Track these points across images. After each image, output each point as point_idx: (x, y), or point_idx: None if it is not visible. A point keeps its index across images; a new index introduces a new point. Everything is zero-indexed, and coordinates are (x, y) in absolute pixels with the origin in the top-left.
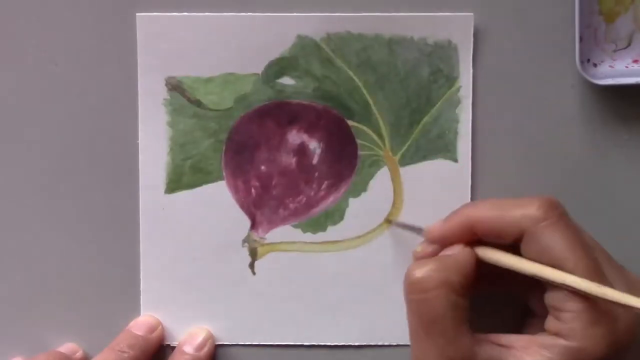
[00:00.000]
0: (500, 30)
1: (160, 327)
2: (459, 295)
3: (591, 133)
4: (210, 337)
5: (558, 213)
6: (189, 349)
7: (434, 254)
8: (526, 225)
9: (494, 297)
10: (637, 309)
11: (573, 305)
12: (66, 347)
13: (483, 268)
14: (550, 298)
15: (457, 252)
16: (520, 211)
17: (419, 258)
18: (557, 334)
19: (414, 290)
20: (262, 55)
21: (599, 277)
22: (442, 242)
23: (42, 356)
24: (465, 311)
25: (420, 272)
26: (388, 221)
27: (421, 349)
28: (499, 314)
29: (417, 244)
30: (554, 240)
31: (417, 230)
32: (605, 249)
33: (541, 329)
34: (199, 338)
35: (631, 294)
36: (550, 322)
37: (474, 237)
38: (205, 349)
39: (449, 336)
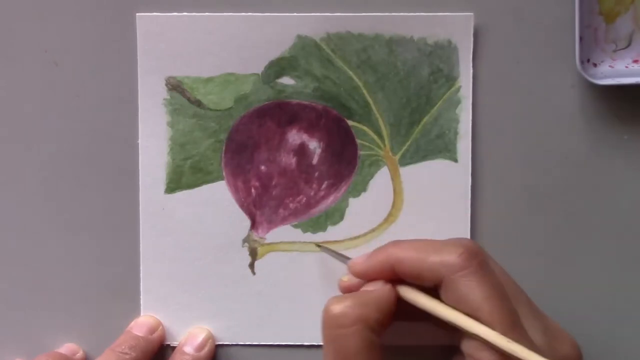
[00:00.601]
0: (500, 30)
1: (160, 327)
2: (375, 333)
3: (591, 133)
4: (210, 337)
5: (477, 262)
6: (189, 349)
7: (359, 287)
8: (444, 273)
9: (419, 334)
10: None
11: (487, 356)
12: (66, 348)
13: (407, 304)
14: (466, 346)
15: (378, 288)
16: (439, 258)
17: (344, 288)
18: None
19: (330, 325)
20: (262, 55)
21: (514, 328)
22: (365, 277)
23: (43, 357)
24: (380, 350)
25: (338, 307)
26: (317, 245)
27: None
28: (425, 351)
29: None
30: (470, 290)
31: (343, 259)
32: (526, 293)
33: None
34: (199, 338)
35: (548, 342)
36: None
37: (396, 276)
38: (206, 349)
39: None
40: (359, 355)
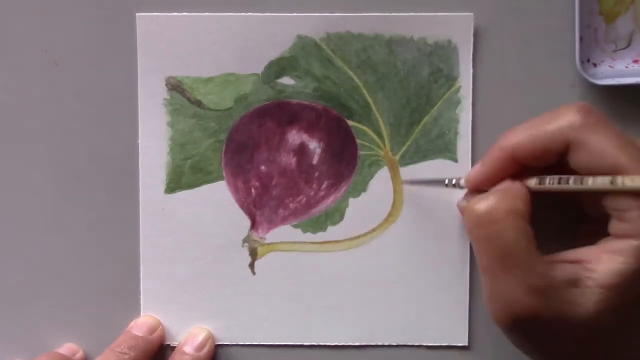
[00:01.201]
0: (500, 30)
1: (160, 327)
2: (526, 221)
3: None
4: (210, 337)
5: (595, 115)
6: (189, 349)
7: None
8: (570, 135)
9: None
10: None
11: (636, 203)
12: (66, 348)
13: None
14: (610, 201)
15: (510, 185)
16: (558, 122)
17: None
18: (626, 236)
19: (481, 224)
20: (262, 55)
21: None
22: (487, 185)
23: (43, 357)
24: (534, 238)
25: (485, 204)
26: (405, 181)
27: (499, 283)
28: (551, 227)
29: (421, 249)
30: (602, 143)
31: (438, 182)
32: None
33: (600, 234)
34: (199, 338)
35: None
36: (616, 225)
37: (517, 169)
38: (205, 349)
39: (527, 265)
40: (519, 246)
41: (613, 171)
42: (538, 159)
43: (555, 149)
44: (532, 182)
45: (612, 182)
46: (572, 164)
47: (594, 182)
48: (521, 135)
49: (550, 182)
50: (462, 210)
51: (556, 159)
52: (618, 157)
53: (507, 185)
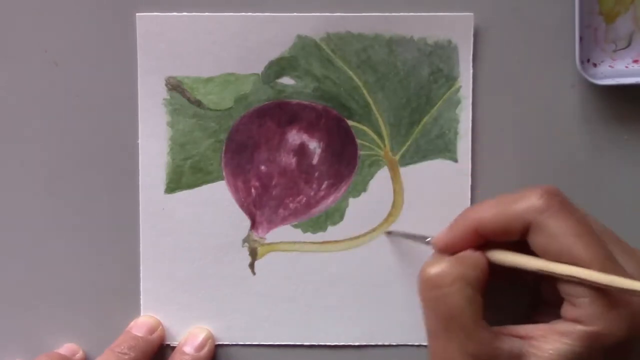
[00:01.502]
0: (500, 30)
1: (160, 327)
2: (475, 289)
3: (591, 133)
4: (210, 337)
5: (559, 200)
6: (189, 349)
7: None
8: (530, 217)
9: (500, 289)
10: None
11: (588, 291)
12: (66, 348)
13: (492, 264)
14: (564, 286)
15: (470, 254)
16: (521, 204)
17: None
18: (575, 321)
19: (430, 287)
20: (262, 55)
21: (609, 262)
22: (451, 250)
23: (43, 357)
24: (481, 306)
25: (436, 268)
26: (388, 232)
27: (441, 346)
28: (507, 305)
29: (421, 249)
30: (560, 228)
31: (419, 238)
32: (612, 230)
33: (553, 317)
34: (199, 338)
35: None
36: (567, 309)
37: (481, 241)
38: (205, 349)
39: (469, 331)
40: (463, 314)
41: (568, 258)
42: (500, 236)
43: (516, 229)
44: (494, 255)
45: (564, 271)
46: (531, 246)
47: (549, 266)
48: (486, 211)
49: (512, 256)
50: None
51: (518, 237)
52: (574, 246)
53: (465, 253)
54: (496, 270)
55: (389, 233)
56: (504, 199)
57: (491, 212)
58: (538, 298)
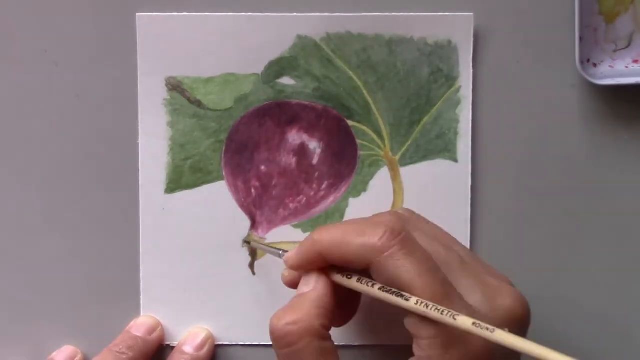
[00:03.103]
0: (500, 30)
1: (159, 328)
2: (324, 338)
3: (591, 133)
4: (210, 337)
5: (400, 240)
6: (188, 349)
7: (299, 280)
8: (369, 256)
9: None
10: (470, 332)
11: (427, 331)
12: (65, 351)
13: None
14: (408, 324)
15: (312, 288)
16: (362, 240)
17: (287, 283)
18: None
19: (280, 344)
20: (262, 55)
21: (447, 298)
22: (300, 270)
23: None
24: (334, 351)
25: (281, 325)
26: (247, 242)
27: None
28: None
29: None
30: (397, 269)
31: (275, 252)
32: (467, 248)
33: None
34: (199, 338)
35: (487, 300)
36: (415, 349)
37: (327, 263)
38: (205, 349)
39: None
40: None
41: None
42: (343, 264)
43: (357, 264)
44: (339, 278)
45: (405, 299)
46: (374, 278)
47: (386, 297)
48: (332, 239)
49: (359, 281)
50: (284, 282)
51: (361, 269)
52: (411, 287)
53: (309, 286)
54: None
55: (248, 243)
56: (350, 229)
57: (335, 241)
58: None
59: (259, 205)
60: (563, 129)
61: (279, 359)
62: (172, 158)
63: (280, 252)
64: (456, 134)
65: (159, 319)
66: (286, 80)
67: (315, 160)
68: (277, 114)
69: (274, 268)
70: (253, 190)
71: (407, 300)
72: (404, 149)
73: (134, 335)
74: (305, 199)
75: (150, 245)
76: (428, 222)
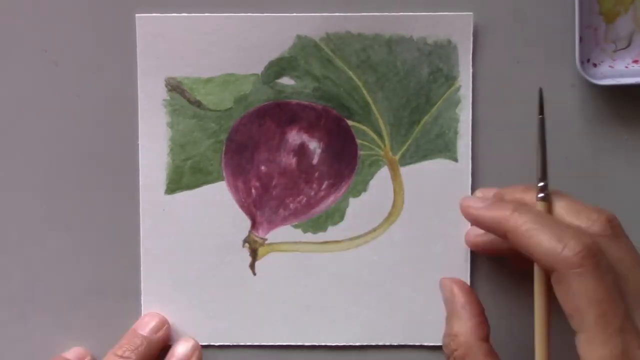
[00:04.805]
0: (500, 30)
1: (165, 326)
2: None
3: (591, 133)
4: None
5: (594, 262)
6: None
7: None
8: (559, 267)
9: None
10: None
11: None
12: (74, 352)
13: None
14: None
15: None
16: (556, 248)
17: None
18: None
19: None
20: (262, 55)
21: (620, 340)
22: (476, 225)
23: None
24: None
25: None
26: None
27: None
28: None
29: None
30: (582, 290)
31: None
32: None
33: None
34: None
35: None
36: None
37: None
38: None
39: None
40: None
41: (576, 325)
42: (525, 254)
43: (542, 265)
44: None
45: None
46: (553, 285)
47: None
48: (523, 228)
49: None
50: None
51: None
52: (587, 312)
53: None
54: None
55: None
56: (545, 227)
57: (527, 231)
58: None
59: (259, 206)
60: (563, 129)
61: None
62: (172, 158)
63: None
64: (456, 133)
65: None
66: (286, 80)
67: (315, 160)
68: (277, 114)
69: (275, 269)
70: (253, 191)
71: None
72: (404, 148)
73: (140, 334)
74: (305, 199)
75: (151, 246)
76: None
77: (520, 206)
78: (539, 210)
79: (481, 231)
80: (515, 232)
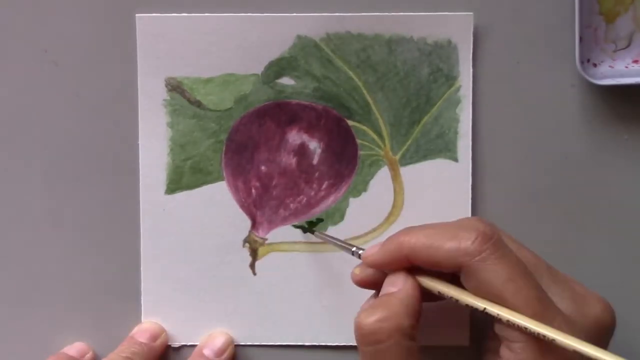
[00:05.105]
0: (500, 30)
1: (164, 334)
2: (411, 338)
3: (591, 133)
4: (230, 341)
5: (492, 244)
6: (208, 352)
7: (373, 278)
8: (461, 260)
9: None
10: (571, 348)
11: (521, 336)
12: (76, 348)
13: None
14: (499, 327)
15: (400, 288)
16: (454, 244)
17: (358, 281)
18: None
19: (366, 342)
20: (262, 55)
21: (541, 305)
22: (380, 268)
23: (52, 358)
24: (418, 352)
25: (370, 322)
26: (310, 231)
27: None
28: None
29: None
30: (490, 274)
31: (346, 247)
32: (547, 262)
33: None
34: (219, 342)
35: (577, 308)
36: (503, 351)
37: (411, 264)
38: (226, 355)
39: None
40: None
41: (500, 303)
42: (430, 267)
43: (447, 267)
44: (426, 281)
45: (496, 312)
46: (463, 284)
47: (482, 304)
48: (419, 241)
49: (447, 286)
50: (354, 281)
51: (449, 272)
52: (505, 292)
53: (396, 286)
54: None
55: (311, 232)
56: (438, 232)
57: (423, 243)
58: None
59: (260, 206)
60: (563, 129)
61: (362, 357)
62: (172, 158)
63: (354, 249)
64: (456, 133)
65: (160, 319)
66: (286, 81)
67: (315, 160)
68: (277, 114)
69: (275, 268)
70: (253, 191)
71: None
72: (404, 148)
73: (139, 341)
74: (305, 199)
75: (151, 246)
76: (509, 236)
77: (407, 230)
78: (426, 224)
79: (365, 268)
80: (414, 251)
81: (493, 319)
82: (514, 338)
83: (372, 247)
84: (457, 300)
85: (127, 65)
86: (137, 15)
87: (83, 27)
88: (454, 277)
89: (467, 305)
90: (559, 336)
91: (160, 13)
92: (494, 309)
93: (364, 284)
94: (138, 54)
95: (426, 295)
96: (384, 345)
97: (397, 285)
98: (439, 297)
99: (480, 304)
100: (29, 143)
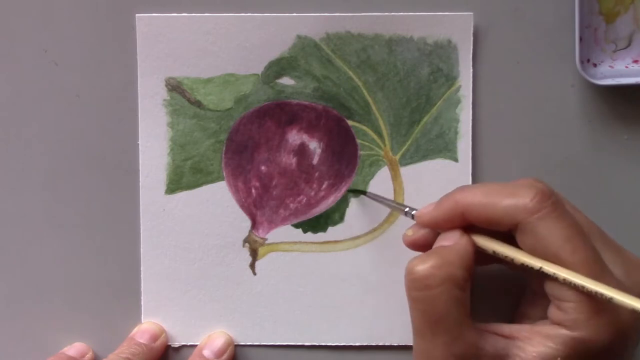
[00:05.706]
0: (500, 30)
1: (164, 335)
2: (462, 290)
3: (591, 133)
4: (230, 342)
5: (552, 202)
6: (207, 353)
7: (426, 238)
8: (519, 217)
9: (487, 273)
10: (629, 306)
11: (574, 296)
12: (75, 348)
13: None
14: (551, 287)
15: (456, 242)
16: (512, 201)
17: (410, 242)
18: (560, 324)
19: (417, 287)
20: (262, 55)
21: (597, 267)
22: (434, 227)
23: (51, 359)
24: (468, 305)
25: (423, 268)
26: (363, 192)
27: (426, 346)
28: (495, 292)
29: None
30: (549, 231)
31: (398, 207)
32: (598, 226)
33: (540, 308)
34: (219, 343)
35: (627, 273)
36: (553, 312)
37: (466, 223)
38: (225, 355)
39: (454, 333)
40: (450, 315)
41: (556, 262)
42: (486, 225)
43: (504, 224)
44: (480, 240)
45: (551, 270)
46: (519, 242)
47: (537, 263)
48: (476, 199)
49: (499, 246)
50: (406, 242)
51: (505, 230)
52: (561, 250)
53: (451, 240)
54: (487, 255)
55: (363, 193)
56: (495, 189)
57: (480, 201)
58: (526, 286)
59: (260, 206)
60: (563, 129)
61: (411, 304)
62: (173, 158)
63: (407, 209)
64: (456, 133)
65: (160, 319)
66: (286, 81)
67: (315, 160)
68: (277, 114)
69: (275, 268)
70: (253, 191)
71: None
72: (404, 148)
73: (138, 341)
74: (305, 198)
75: (151, 246)
76: (566, 199)
77: (463, 188)
78: (480, 183)
79: (419, 229)
80: (470, 208)
81: (545, 279)
82: (567, 297)
83: (426, 207)
84: (512, 260)
85: (127, 65)
86: (137, 15)
87: (83, 27)
88: (506, 239)
89: (522, 264)
90: (617, 295)
91: (160, 13)
92: (550, 268)
93: (416, 245)
94: (138, 54)
95: (478, 259)
96: (434, 292)
97: (452, 240)
98: (491, 260)
99: (536, 262)
100: (29, 143)
